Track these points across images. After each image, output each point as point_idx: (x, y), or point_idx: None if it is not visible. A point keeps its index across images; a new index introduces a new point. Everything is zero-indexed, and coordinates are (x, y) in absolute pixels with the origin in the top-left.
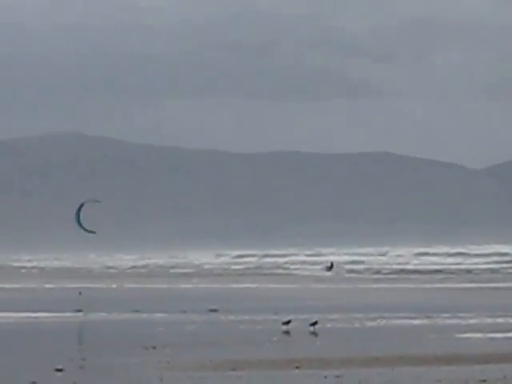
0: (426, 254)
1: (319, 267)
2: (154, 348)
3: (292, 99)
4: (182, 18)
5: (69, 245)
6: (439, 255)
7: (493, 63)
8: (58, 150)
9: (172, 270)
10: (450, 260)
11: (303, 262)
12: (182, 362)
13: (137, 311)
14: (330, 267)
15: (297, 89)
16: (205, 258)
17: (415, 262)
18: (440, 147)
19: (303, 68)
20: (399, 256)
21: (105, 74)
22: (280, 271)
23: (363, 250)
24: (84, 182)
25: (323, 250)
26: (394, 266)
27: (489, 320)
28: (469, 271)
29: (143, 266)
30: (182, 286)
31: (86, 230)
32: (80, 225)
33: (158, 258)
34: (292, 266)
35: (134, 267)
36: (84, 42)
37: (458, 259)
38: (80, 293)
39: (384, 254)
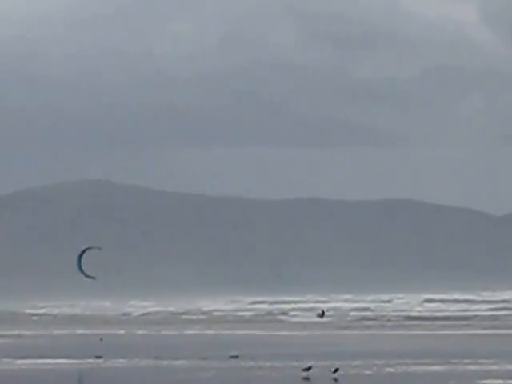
0: (442, 300)
1: (313, 314)
2: None
3: (315, 146)
4: (200, 68)
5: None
6: (454, 302)
7: None
8: (85, 197)
9: (187, 317)
10: (464, 306)
11: (311, 309)
12: None
13: (157, 358)
14: (322, 314)
15: (320, 136)
16: (222, 305)
17: (430, 308)
18: (462, 194)
19: (326, 116)
20: (413, 302)
21: (126, 124)
22: (286, 318)
23: (387, 297)
24: (108, 228)
25: (337, 297)
26: (413, 313)
27: (509, 366)
28: (483, 318)
29: (158, 313)
30: (200, 332)
31: (86, 276)
32: (81, 270)
33: (173, 305)
34: (300, 313)
35: (149, 314)
36: (105, 94)
37: (469, 305)
38: (101, 339)
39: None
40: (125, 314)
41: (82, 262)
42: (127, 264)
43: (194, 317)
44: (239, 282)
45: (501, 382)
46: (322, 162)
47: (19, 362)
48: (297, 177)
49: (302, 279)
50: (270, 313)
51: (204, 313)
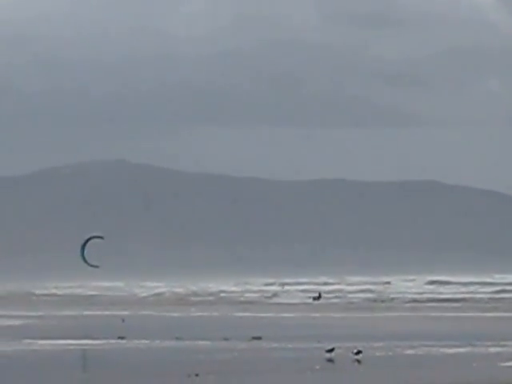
0: (449, 282)
1: (308, 296)
2: (197, 375)
3: (333, 127)
4: (216, 48)
5: (95, 273)
6: (467, 284)
7: None
8: (102, 177)
9: (203, 298)
10: (473, 288)
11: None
12: None
13: (179, 338)
14: (318, 297)
15: (337, 116)
16: (242, 286)
17: (448, 290)
18: (478, 174)
19: (342, 96)
20: (433, 283)
21: (145, 103)
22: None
23: (401, 277)
24: (126, 208)
25: (347, 279)
26: (429, 295)
27: None
28: (498, 300)
29: (174, 294)
30: (221, 313)
31: (89, 265)
32: (84, 260)
33: (187, 286)
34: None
35: (162, 295)
36: (128, 74)
37: (485, 288)
38: (123, 320)
39: (421, 282)
40: (136, 295)
41: (86, 251)
42: (138, 246)
43: (212, 298)
44: (256, 263)
45: None
46: (339, 143)
47: (41, 342)
48: (317, 157)
49: (324, 259)
50: (275, 294)
51: (221, 294)
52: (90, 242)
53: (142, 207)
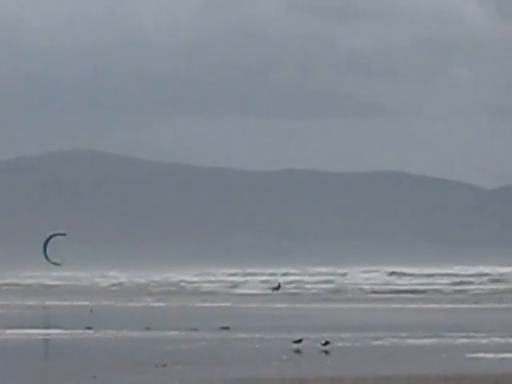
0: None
1: (266, 286)
2: (165, 366)
3: (303, 118)
4: (190, 37)
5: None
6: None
7: (502, 81)
8: (69, 166)
9: (173, 288)
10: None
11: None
12: (192, 379)
13: (147, 329)
14: (277, 287)
15: (307, 107)
16: (209, 276)
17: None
18: (448, 166)
19: (313, 87)
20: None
21: (114, 91)
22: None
23: (361, 268)
24: (94, 198)
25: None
26: (389, 286)
27: (500, 340)
28: (465, 291)
29: (136, 284)
30: (188, 304)
31: (51, 262)
32: (46, 257)
33: (153, 276)
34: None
35: (123, 284)
36: (92, 61)
37: (445, 280)
38: (91, 310)
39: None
40: (115, 285)
41: (48, 249)
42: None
43: (173, 288)
44: (225, 253)
45: (491, 355)
46: (307, 133)
47: (8, 331)
48: (285, 148)
49: (297, 251)
50: (236, 285)
51: (181, 284)
52: (52, 240)
53: (103, 197)
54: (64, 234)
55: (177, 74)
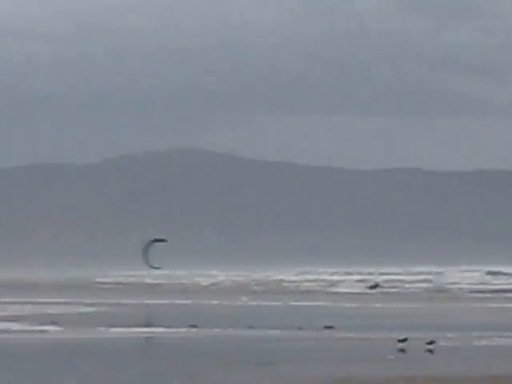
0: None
1: (364, 285)
2: (270, 364)
3: (405, 116)
4: (290, 35)
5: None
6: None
7: None
8: (179, 165)
9: (267, 287)
10: None
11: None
12: (297, 378)
13: (251, 327)
14: (375, 286)
15: (410, 105)
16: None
17: (507, 281)
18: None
19: (421, 85)
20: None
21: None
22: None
23: (457, 268)
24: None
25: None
26: (488, 286)
27: None
28: None
29: (248, 283)
30: (291, 303)
31: (151, 267)
32: (147, 262)
33: (247, 275)
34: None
35: (220, 283)
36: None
37: None
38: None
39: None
40: (198, 284)
41: (149, 253)
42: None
43: (273, 287)
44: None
45: None
46: (411, 132)
47: (113, 330)
48: (388, 146)
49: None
50: (333, 284)
51: (291, 284)
52: (153, 245)
53: (207, 196)
54: (165, 241)
55: (278, 72)
